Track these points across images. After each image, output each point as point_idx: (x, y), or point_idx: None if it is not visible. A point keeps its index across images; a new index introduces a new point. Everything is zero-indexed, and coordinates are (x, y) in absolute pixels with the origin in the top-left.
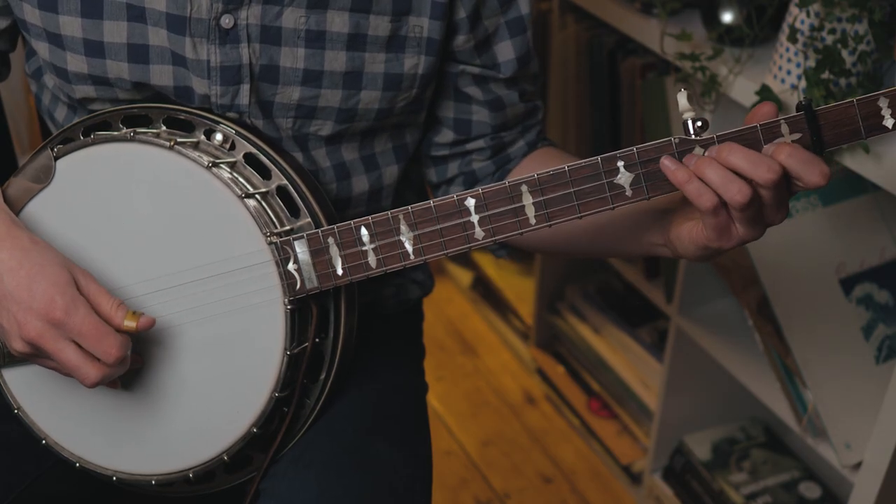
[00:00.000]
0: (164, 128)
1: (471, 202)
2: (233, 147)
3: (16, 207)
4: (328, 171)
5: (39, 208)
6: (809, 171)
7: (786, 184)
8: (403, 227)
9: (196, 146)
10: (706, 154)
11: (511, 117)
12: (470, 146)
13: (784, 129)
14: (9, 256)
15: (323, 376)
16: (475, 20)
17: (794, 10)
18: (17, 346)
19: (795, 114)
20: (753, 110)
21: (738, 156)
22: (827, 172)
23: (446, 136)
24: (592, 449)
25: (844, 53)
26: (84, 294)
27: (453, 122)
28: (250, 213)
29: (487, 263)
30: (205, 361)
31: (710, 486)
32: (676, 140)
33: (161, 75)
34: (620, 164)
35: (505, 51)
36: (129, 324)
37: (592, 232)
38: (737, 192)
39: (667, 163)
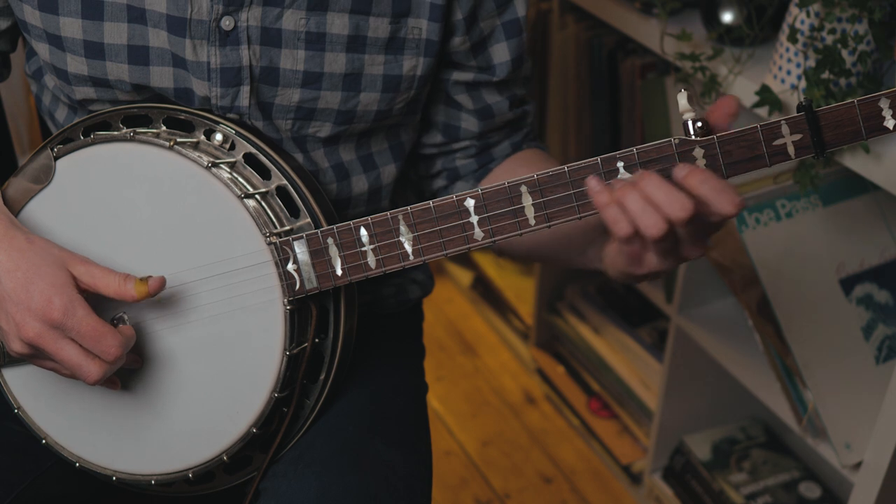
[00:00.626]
0: (163, 128)
1: (470, 203)
2: (232, 147)
3: (15, 208)
4: (328, 172)
5: (39, 208)
6: (721, 199)
7: (700, 221)
8: (403, 228)
9: (196, 146)
10: (630, 178)
11: (499, 123)
12: (456, 146)
13: (784, 129)
14: (6, 258)
15: (322, 376)
16: (472, 22)
17: (794, 10)
18: (17, 347)
19: (796, 114)
20: (717, 104)
21: (655, 189)
22: (738, 202)
23: (434, 137)
24: (592, 449)
25: (844, 53)
26: (87, 281)
27: (442, 126)
28: (250, 213)
29: (487, 263)
30: (204, 361)
31: (710, 486)
32: (676, 140)
33: (161, 77)
34: (620, 164)
35: (500, 52)
36: (142, 290)
37: (558, 240)
38: (651, 226)
39: (591, 183)
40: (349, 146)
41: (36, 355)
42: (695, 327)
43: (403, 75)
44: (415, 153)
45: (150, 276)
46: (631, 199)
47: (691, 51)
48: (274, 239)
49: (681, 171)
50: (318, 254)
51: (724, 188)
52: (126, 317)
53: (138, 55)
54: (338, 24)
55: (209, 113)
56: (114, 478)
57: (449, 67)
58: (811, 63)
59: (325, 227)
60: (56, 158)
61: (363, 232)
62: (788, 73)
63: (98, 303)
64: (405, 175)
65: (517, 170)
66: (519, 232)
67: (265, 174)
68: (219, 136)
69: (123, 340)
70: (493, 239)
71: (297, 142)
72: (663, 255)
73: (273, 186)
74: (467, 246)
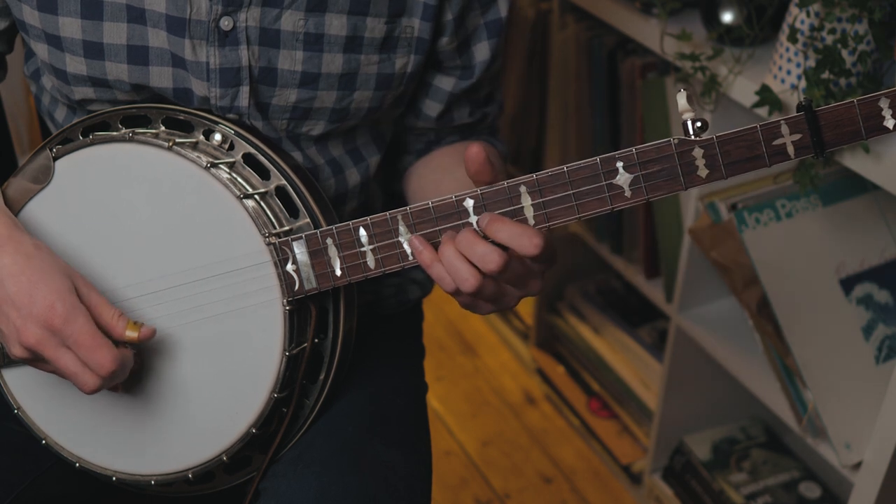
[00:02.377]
0: (162, 128)
1: (469, 203)
2: (231, 147)
3: (15, 208)
4: (324, 168)
5: (38, 209)
6: (522, 243)
7: (520, 264)
8: (402, 228)
9: (195, 146)
10: (449, 235)
11: (456, 126)
12: (410, 133)
13: (784, 129)
14: (11, 261)
15: (322, 376)
16: (460, 22)
17: (794, 10)
18: (16, 351)
19: (795, 114)
20: (467, 152)
21: (467, 244)
22: (538, 244)
23: (395, 125)
24: (592, 449)
25: (844, 53)
26: (85, 303)
27: (404, 119)
28: (249, 213)
29: None
30: (204, 362)
31: (710, 486)
32: (676, 140)
33: (160, 77)
34: (620, 164)
35: (482, 51)
36: (131, 334)
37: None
38: (464, 281)
39: (414, 244)
40: (337, 141)
41: (35, 359)
42: (695, 327)
43: (395, 73)
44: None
45: (143, 325)
46: (446, 256)
47: (691, 51)
48: (273, 239)
49: (482, 220)
50: (318, 254)
51: (522, 233)
52: None
53: (137, 55)
54: (336, 24)
55: (208, 113)
56: (114, 478)
57: (432, 69)
58: (811, 63)
59: (325, 228)
60: (55, 159)
61: (362, 232)
62: (788, 73)
63: None
64: (390, 164)
65: (448, 159)
66: None
67: (264, 174)
68: (218, 137)
69: (119, 357)
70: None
71: (292, 140)
72: (493, 300)
73: (272, 187)
74: None
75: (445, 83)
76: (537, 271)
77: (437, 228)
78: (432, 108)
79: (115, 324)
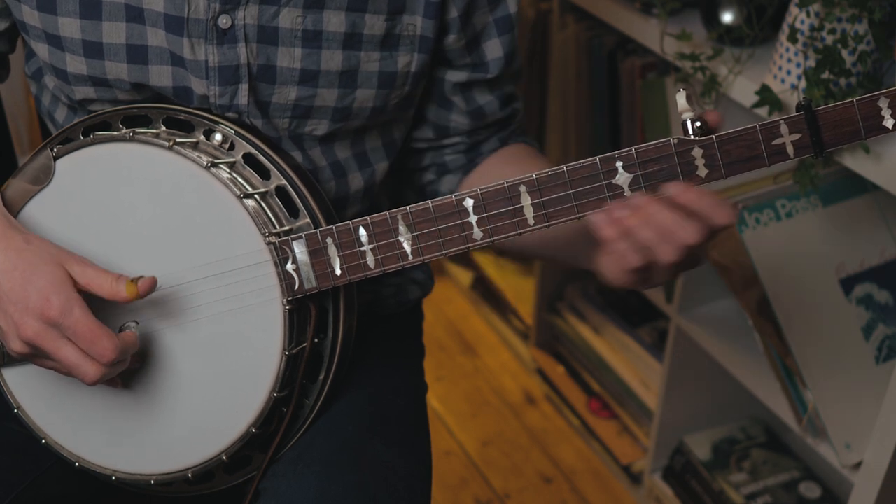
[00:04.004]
0: (163, 128)
1: (469, 203)
2: (232, 147)
3: (15, 208)
4: (325, 170)
5: (39, 208)
6: (717, 213)
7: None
8: (402, 228)
9: (195, 146)
10: (631, 206)
11: (490, 122)
12: (446, 142)
13: (784, 129)
14: (3, 258)
15: (322, 376)
16: (466, 20)
17: (794, 10)
18: (16, 346)
19: (795, 114)
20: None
21: (664, 217)
22: (731, 214)
23: (426, 133)
24: (592, 449)
25: (844, 53)
26: (82, 281)
27: (433, 123)
28: (249, 213)
29: (487, 263)
30: (203, 361)
31: (710, 486)
32: (675, 140)
33: (160, 76)
34: (619, 164)
35: (493, 49)
36: (132, 290)
37: (559, 241)
38: (668, 254)
39: (596, 219)
40: (345, 144)
41: (35, 354)
42: (695, 327)
43: (398, 72)
44: (405, 146)
45: (140, 277)
46: (642, 231)
47: (691, 51)
48: (273, 239)
49: (673, 189)
50: (317, 253)
51: (717, 203)
52: (133, 324)
53: (137, 54)
54: (334, 21)
55: (209, 113)
56: (113, 478)
57: (443, 66)
58: (811, 63)
59: (324, 227)
60: (56, 158)
61: (362, 232)
62: (788, 73)
63: (107, 308)
64: (395, 169)
65: (503, 166)
66: (518, 232)
67: (264, 174)
68: (218, 136)
69: (120, 345)
70: (492, 239)
71: (294, 140)
72: (671, 272)
73: (272, 186)
74: (466, 246)
75: (459, 77)
76: (707, 245)
77: (436, 228)
78: (460, 101)
79: (116, 290)
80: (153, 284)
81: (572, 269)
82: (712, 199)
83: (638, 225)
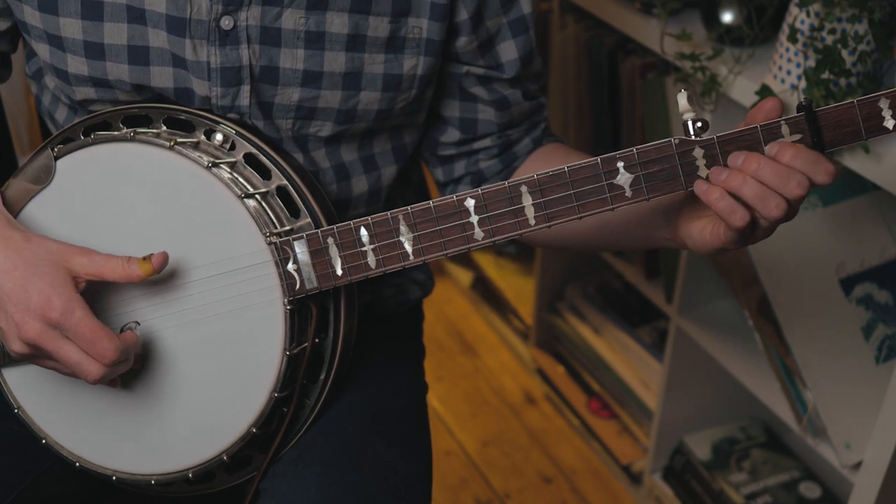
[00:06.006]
0: (164, 128)
1: (470, 203)
2: (233, 147)
3: (15, 208)
4: (328, 172)
5: (39, 208)
6: (817, 170)
7: None
8: (403, 228)
9: (196, 146)
10: (731, 161)
11: (516, 115)
12: (476, 145)
13: (784, 129)
14: (3, 258)
15: (322, 376)
16: (477, 21)
17: (794, 10)
18: (17, 347)
19: (796, 114)
20: (758, 105)
21: (768, 172)
22: (832, 170)
23: (452, 135)
24: (592, 449)
25: (844, 53)
26: (91, 270)
27: (459, 121)
28: (250, 213)
29: (487, 263)
30: (204, 361)
31: (710, 486)
32: (676, 140)
33: (161, 77)
34: (620, 164)
35: (508, 51)
36: (146, 268)
37: (597, 227)
38: (774, 208)
39: (698, 184)
40: (351, 146)
41: (36, 355)
42: (695, 327)
43: (404, 74)
44: (434, 157)
45: (151, 254)
46: (748, 187)
47: (691, 51)
48: (274, 239)
49: (773, 148)
50: (319, 254)
51: (817, 159)
52: (134, 325)
53: (138, 55)
54: (337, 23)
55: (209, 113)
56: (114, 477)
57: (459, 62)
58: (811, 63)
59: (325, 227)
60: (56, 158)
61: (363, 232)
62: (788, 73)
63: (108, 309)
64: (407, 176)
65: (544, 166)
66: (519, 232)
67: (265, 174)
68: (219, 136)
69: (121, 345)
70: (492, 239)
71: (297, 141)
72: (771, 228)
73: (273, 186)
74: (467, 246)
75: (477, 71)
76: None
77: (437, 228)
78: (481, 91)
79: (130, 271)
80: (166, 259)
81: (572, 269)
82: (811, 155)
83: (742, 183)
